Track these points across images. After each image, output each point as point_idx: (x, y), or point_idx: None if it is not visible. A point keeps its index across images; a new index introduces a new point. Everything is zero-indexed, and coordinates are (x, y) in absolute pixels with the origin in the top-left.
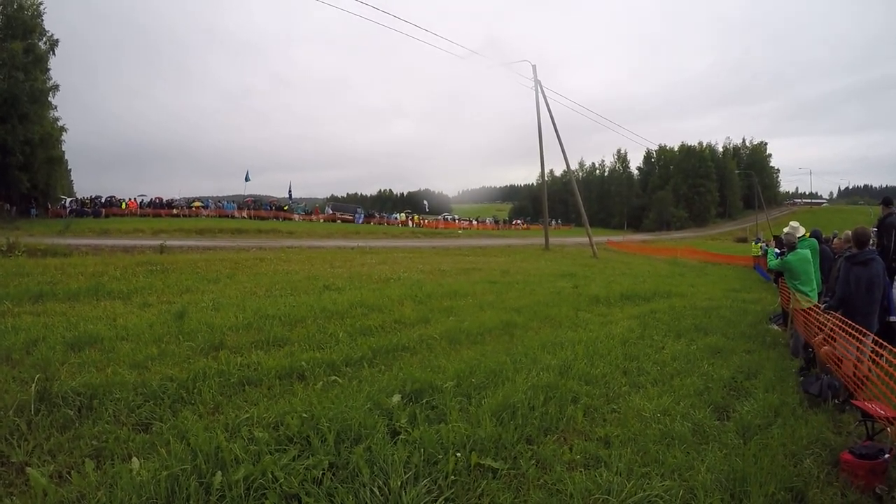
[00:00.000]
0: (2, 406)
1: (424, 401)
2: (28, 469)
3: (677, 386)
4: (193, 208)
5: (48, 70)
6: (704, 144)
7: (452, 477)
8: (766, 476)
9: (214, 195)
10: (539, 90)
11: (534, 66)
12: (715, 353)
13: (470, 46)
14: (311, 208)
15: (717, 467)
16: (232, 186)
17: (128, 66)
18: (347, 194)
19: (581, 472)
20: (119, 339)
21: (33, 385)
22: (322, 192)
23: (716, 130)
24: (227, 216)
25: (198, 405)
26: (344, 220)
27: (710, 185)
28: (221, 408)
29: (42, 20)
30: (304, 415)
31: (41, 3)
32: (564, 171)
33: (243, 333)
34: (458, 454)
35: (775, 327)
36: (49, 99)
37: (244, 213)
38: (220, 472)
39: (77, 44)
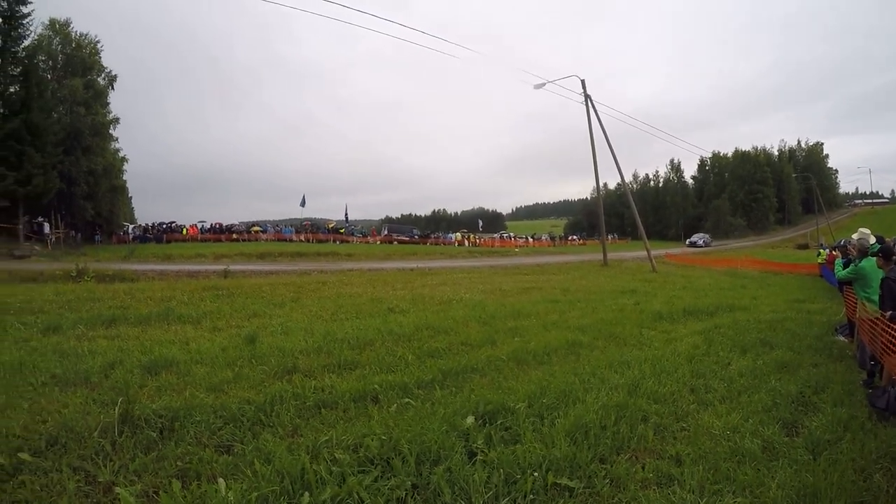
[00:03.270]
0: (86, 427)
1: (498, 422)
2: (117, 489)
3: (745, 402)
4: (252, 233)
5: (108, 104)
6: (759, 149)
7: (531, 496)
8: (836, 492)
9: (271, 219)
10: (589, 104)
11: (582, 81)
12: (781, 367)
13: (517, 64)
14: (368, 230)
15: (787, 483)
16: (289, 210)
17: (185, 96)
18: (402, 215)
19: (654, 489)
20: (194, 363)
21: (116, 408)
22: (377, 214)
23: (770, 133)
24: (286, 240)
25: (277, 427)
26: (400, 242)
27: (768, 191)
28: (300, 430)
29: (100, 57)
30: (383, 437)
31: (98, 42)
32: (618, 184)
33: (314, 357)
34: (535, 474)
35: (842, 339)
36: (110, 131)
37: (302, 237)
38: (307, 493)
39: (138, 76)
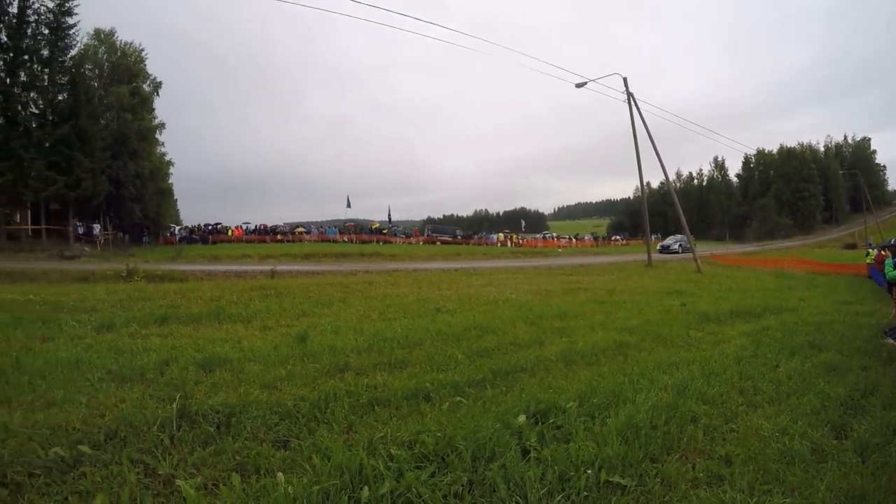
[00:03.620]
0: (144, 422)
1: (550, 421)
2: (178, 481)
3: (794, 405)
4: (297, 234)
5: (153, 109)
6: (804, 145)
7: (585, 493)
8: (884, 494)
9: (314, 220)
10: (632, 102)
11: (624, 79)
12: (830, 370)
13: (556, 62)
14: (411, 231)
15: (835, 486)
16: (332, 211)
17: (229, 101)
18: (444, 216)
19: (705, 489)
20: (247, 361)
21: (174, 403)
22: (419, 215)
23: (815, 129)
24: (330, 241)
25: (332, 424)
26: (443, 242)
27: (814, 189)
28: (355, 427)
29: (145, 65)
30: (438, 434)
31: (143, 50)
32: (662, 183)
33: (365, 356)
34: (588, 471)
35: (892, 342)
36: (156, 136)
37: (345, 238)
38: (366, 487)
39: (184, 83)
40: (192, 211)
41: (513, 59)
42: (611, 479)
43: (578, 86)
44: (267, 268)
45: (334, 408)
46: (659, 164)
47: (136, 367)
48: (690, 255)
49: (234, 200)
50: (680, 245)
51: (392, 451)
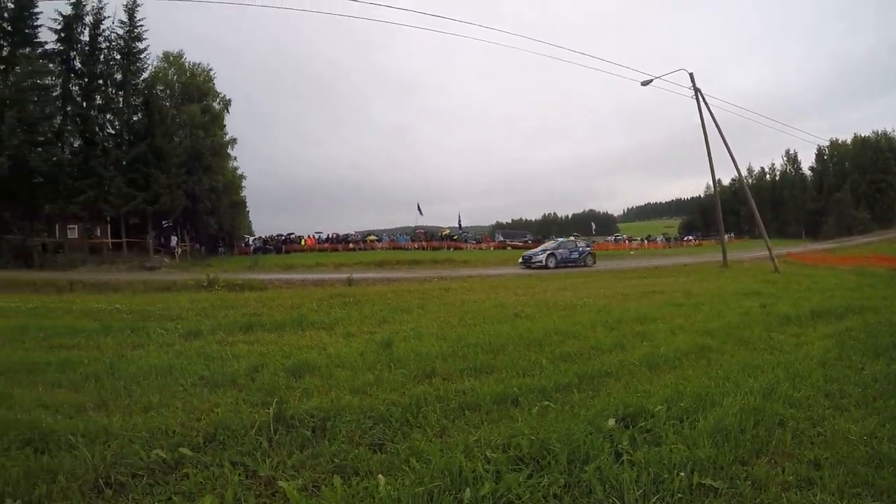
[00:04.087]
0: (241, 425)
1: (639, 424)
2: (280, 483)
3: (881, 408)
4: (368, 242)
5: (224, 126)
6: (879, 133)
7: (679, 495)
8: None
9: (384, 228)
10: (699, 98)
11: (690, 74)
12: None
13: (615, 59)
14: (480, 236)
15: None
16: (402, 219)
17: (296, 115)
18: (512, 220)
19: (795, 492)
20: (335, 367)
21: (271, 407)
22: (487, 220)
23: (891, 115)
24: (401, 248)
25: (424, 428)
26: (514, 247)
27: (892, 180)
28: (447, 431)
29: (213, 84)
30: (532, 437)
31: (210, 70)
32: (733, 179)
33: (450, 361)
34: (681, 474)
35: None
36: (228, 151)
37: (416, 245)
38: (468, 489)
39: (253, 99)
40: (263, 222)
41: (573, 59)
42: (703, 482)
43: (644, 84)
44: (342, 276)
45: (426, 412)
46: (730, 159)
47: (228, 373)
48: (775, 253)
49: (304, 211)
50: (554, 256)
51: (487, 453)
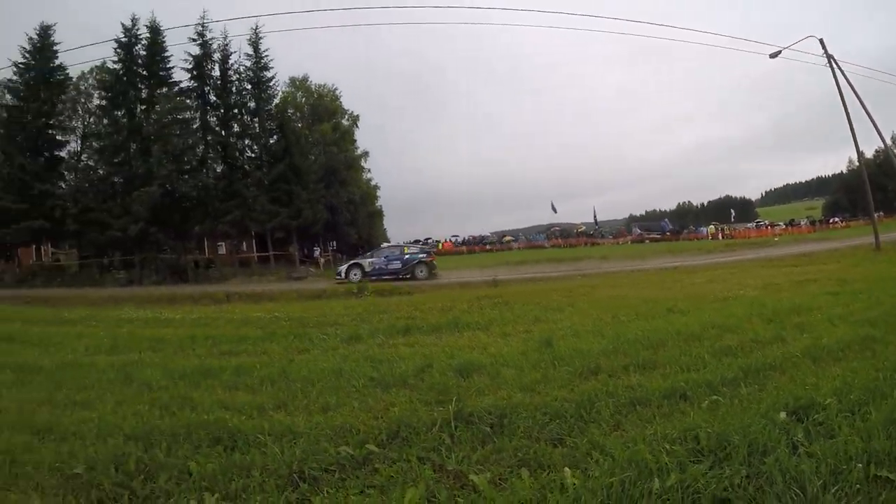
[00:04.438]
0: (422, 423)
1: (811, 417)
2: (471, 476)
3: None
4: (505, 243)
5: (355, 140)
6: None
7: (857, 486)
8: None
9: (518, 228)
10: (833, 65)
11: (821, 40)
12: None
13: (736, 34)
14: (616, 231)
15: None
16: (535, 217)
17: (422, 124)
18: (646, 212)
19: None
20: (500, 366)
21: (451, 405)
22: (621, 213)
23: None
24: (538, 247)
25: (599, 423)
26: (652, 240)
27: None
28: (622, 425)
29: (340, 102)
30: (709, 430)
31: (336, 89)
32: (877, 151)
33: (613, 358)
34: (858, 465)
35: None
36: (361, 164)
37: (550, 243)
38: (656, 479)
39: (382, 113)
40: (398, 229)
41: (696, 39)
42: (879, 474)
43: (772, 56)
44: (486, 278)
45: (600, 408)
46: (873, 127)
47: (397, 374)
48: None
49: (436, 216)
50: (360, 266)
51: (666, 446)
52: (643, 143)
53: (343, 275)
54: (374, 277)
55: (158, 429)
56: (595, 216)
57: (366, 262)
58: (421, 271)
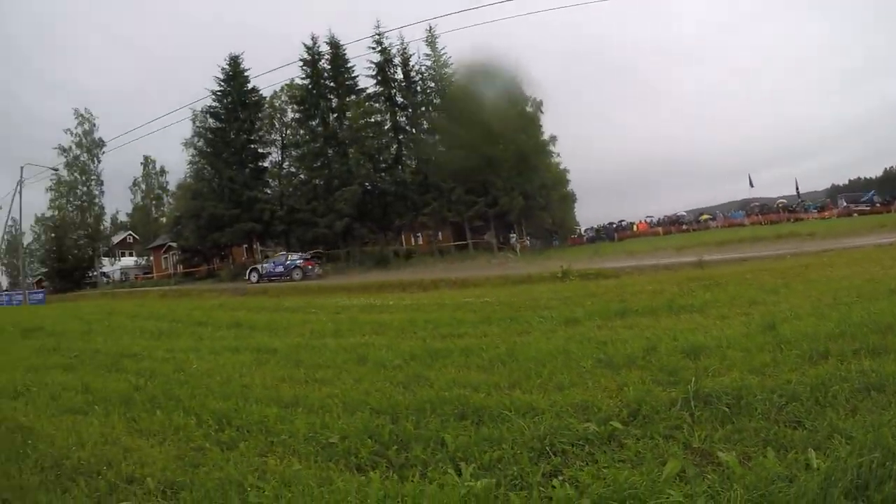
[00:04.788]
0: (660, 403)
1: None
2: (720, 454)
3: None
4: (702, 222)
5: (540, 126)
6: None
7: None
8: None
9: (712, 204)
10: None
11: None
12: None
13: None
14: (822, 203)
15: None
16: (730, 191)
17: (604, 104)
18: (849, 181)
19: None
20: (724, 348)
21: (690, 385)
22: (821, 184)
23: None
24: (737, 225)
25: (836, 407)
26: (860, 213)
27: None
28: (858, 409)
29: (521, 89)
30: None
31: (515, 77)
32: None
33: (840, 342)
34: None
35: None
36: (549, 148)
37: (749, 220)
38: None
39: (567, 96)
40: (589, 212)
41: None
42: None
43: None
44: (687, 259)
45: (835, 392)
46: None
47: (623, 355)
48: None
49: (628, 195)
50: (257, 271)
51: None
52: (840, 96)
53: (247, 276)
54: (265, 279)
55: (401, 404)
56: (797, 188)
57: (260, 266)
58: (297, 274)
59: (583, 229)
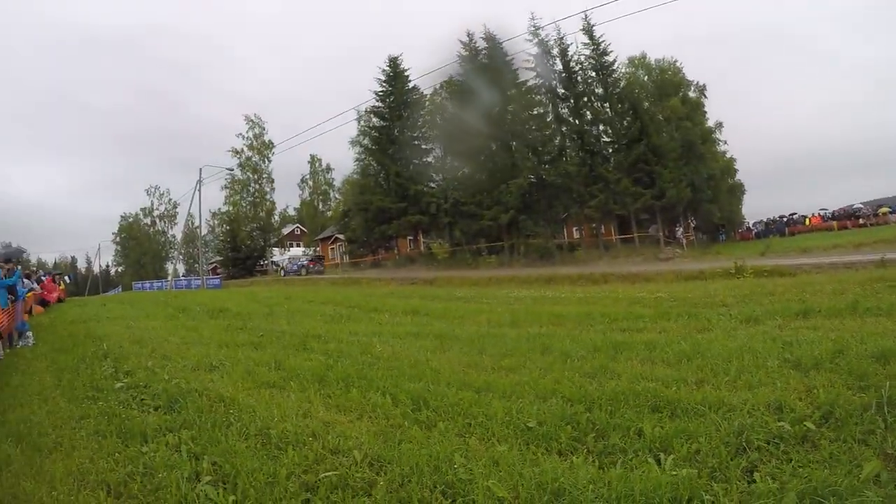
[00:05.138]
0: (853, 407)
1: None
2: None
3: None
4: (880, 215)
5: (705, 112)
6: None
7: None
8: None
9: (890, 195)
10: None
11: None
12: None
13: None
14: None
15: None
16: None
17: (774, 83)
18: None
19: None
20: None
21: (884, 390)
22: None
23: None
24: None
25: None
26: None
27: None
28: None
29: (683, 74)
30: None
31: (676, 62)
32: None
33: None
34: None
35: None
36: (715, 135)
37: None
38: None
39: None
40: (760, 203)
41: None
42: None
43: None
44: (867, 257)
45: None
46: None
47: (810, 357)
48: None
49: (802, 185)
50: (288, 265)
51: None
52: None
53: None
54: (285, 273)
55: (593, 394)
56: None
57: (282, 263)
58: (306, 270)
59: (750, 223)
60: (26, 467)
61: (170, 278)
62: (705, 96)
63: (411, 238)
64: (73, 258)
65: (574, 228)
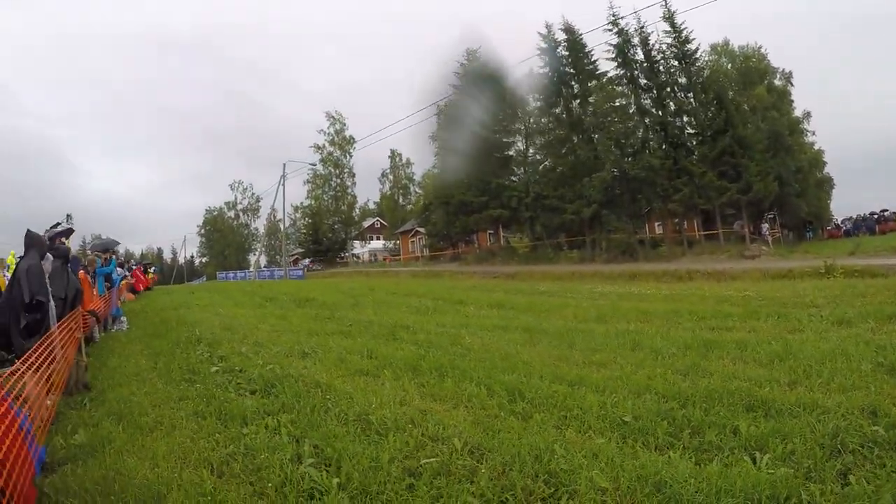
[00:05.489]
0: None
1: None
2: None
3: None
4: None
5: (791, 101)
6: None
7: None
8: None
9: None
10: None
11: None
12: None
13: None
14: None
15: None
16: None
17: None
18: None
19: None
20: None
21: None
22: None
23: None
24: None
25: None
26: None
27: None
28: None
29: (768, 61)
30: None
31: (761, 47)
32: None
33: None
34: None
35: None
36: (803, 126)
37: None
38: None
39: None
40: (851, 198)
41: None
42: None
43: None
44: None
45: None
46: None
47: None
48: None
49: (885, 179)
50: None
51: None
52: None
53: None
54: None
55: (686, 391)
56: None
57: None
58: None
59: (839, 220)
60: (128, 444)
61: (253, 268)
62: (791, 84)
63: (491, 232)
64: (158, 249)
65: (656, 224)
